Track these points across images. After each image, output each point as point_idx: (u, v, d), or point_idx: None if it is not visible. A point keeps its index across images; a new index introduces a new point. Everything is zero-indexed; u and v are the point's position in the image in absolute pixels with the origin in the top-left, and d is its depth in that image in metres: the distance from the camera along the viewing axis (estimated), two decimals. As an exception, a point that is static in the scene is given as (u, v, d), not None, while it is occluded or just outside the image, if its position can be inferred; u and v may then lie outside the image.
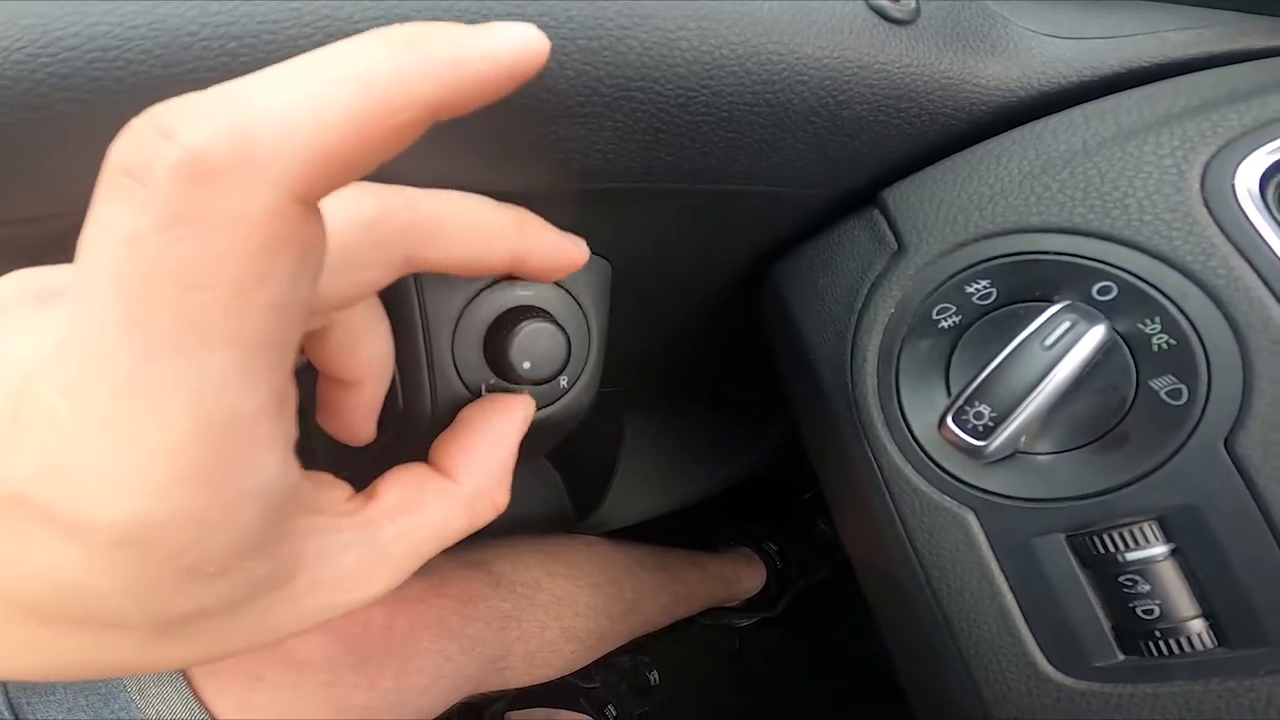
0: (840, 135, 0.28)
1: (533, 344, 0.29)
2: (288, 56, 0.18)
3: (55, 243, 0.26)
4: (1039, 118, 0.29)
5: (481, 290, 0.31)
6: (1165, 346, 0.24)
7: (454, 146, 0.25)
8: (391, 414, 0.35)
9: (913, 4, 0.28)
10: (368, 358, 0.22)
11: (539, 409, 0.32)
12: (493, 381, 0.31)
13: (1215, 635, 0.24)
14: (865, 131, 0.29)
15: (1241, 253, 0.23)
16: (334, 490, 0.19)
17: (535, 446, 0.40)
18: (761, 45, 0.25)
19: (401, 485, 0.20)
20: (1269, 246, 0.23)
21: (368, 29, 0.20)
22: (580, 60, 0.23)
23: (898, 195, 0.31)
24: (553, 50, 0.22)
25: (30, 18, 0.19)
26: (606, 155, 0.27)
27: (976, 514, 0.28)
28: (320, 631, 0.46)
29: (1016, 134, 0.29)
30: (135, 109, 0.15)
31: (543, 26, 0.22)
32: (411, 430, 0.33)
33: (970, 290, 0.28)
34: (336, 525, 0.17)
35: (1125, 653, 0.26)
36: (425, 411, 0.32)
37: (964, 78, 0.28)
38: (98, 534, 0.13)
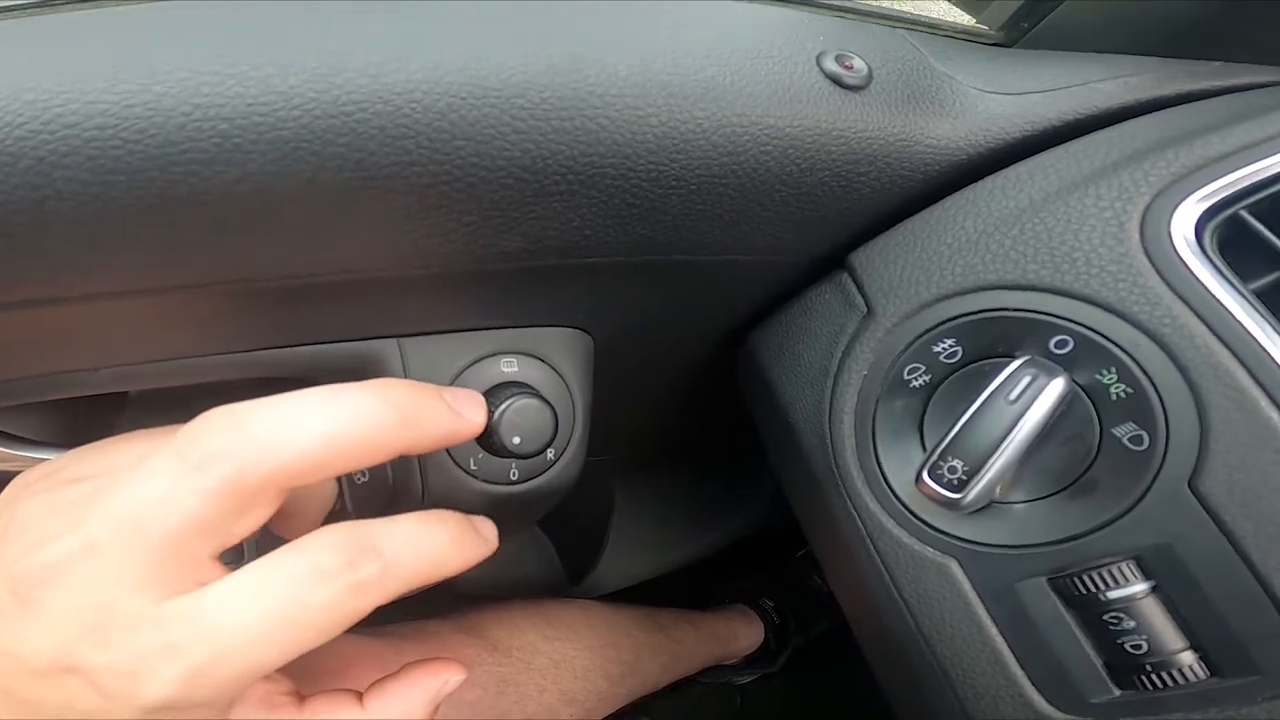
0: (805, 202, 0.30)
1: (520, 420, 0.30)
2: (275, 138, 0.22)
3: (48, 338, 0.26)
4: (989, 174, 0.31)
5: (467, 366, 0.32)
6: (1123, 395, 0.25)
7: (441, 224, 0.26)
8: (382, 490, 0.35)
9: (865, 70, 0.29)
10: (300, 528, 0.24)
11: (526, 480, 0.33)
12: (480, 456, 0.32)
13: (1207, 666, 0.24)
14: (828, 197, 0.30)
15: (1184, 300, 0.25)
16: (279, 684, 0.24)
17: (526, 517, 0.40)
18: (726, 119, 0.27)
19: (326, 701, 0.24)
20: (1209, 292, 0.24)
21: (352, 110, 0.21)
22: (555, 140, 0.25)
23: (864, 258, 0.32)
24: (530, 131, 0.24)
25: (33, 92, 0.20)
26: (584, 231, 0.28)
27: (959, 562, 0.28)
28: None
29: (969, 192, 0.31)
30: (131, 194, 0.16)
31: (522, 108, 0.24)
32: (402, 508, 0.34)
33: (937, 349, 0.29)
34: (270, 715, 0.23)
35: (1121, 688, 0.26)
36: (416, 488, 0.33)
37: (916, 139, 0.30)
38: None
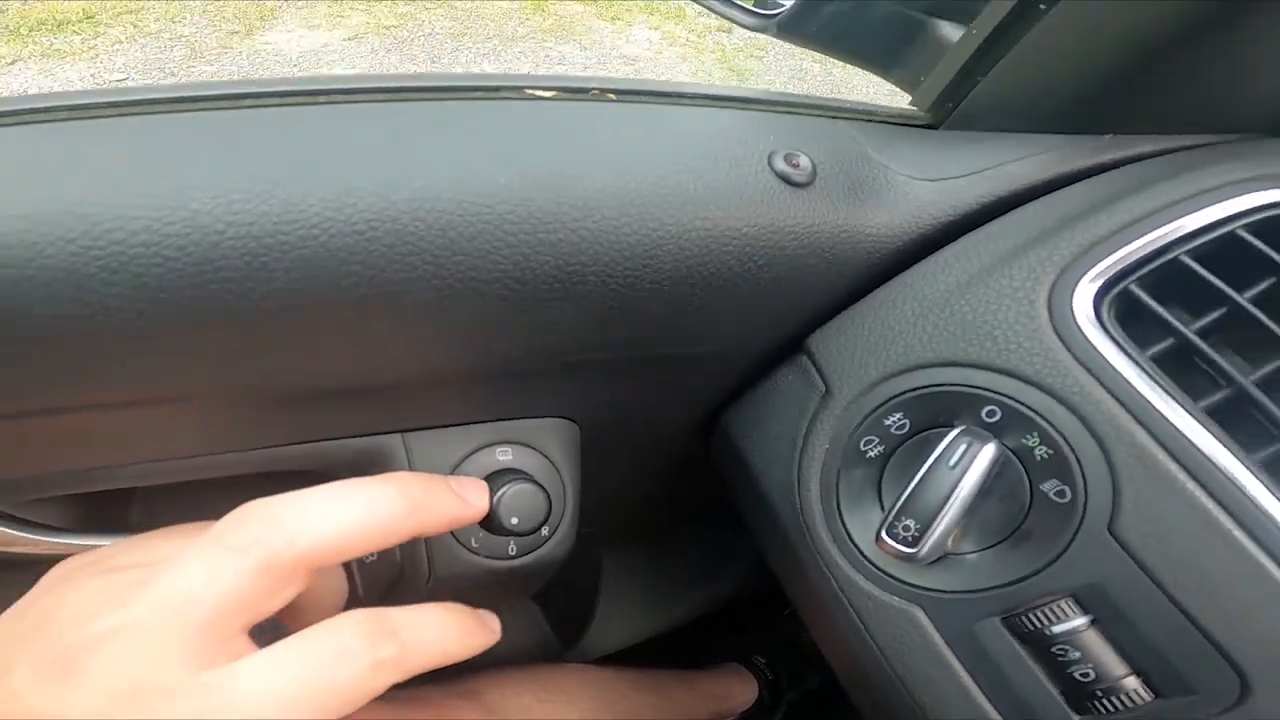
0: (765, 294, 0.34)
1: (517, 502, 0.33)
2: (298, 257, 0.25)
3: (77, 438, 0.29)
4: (923, 257, 0.35)
5: (467, 456, 0.35)
6: (1046, 456, 0.29)
7: (442, 332, 0.29)
8: (390, 568, 0.38)
9: (810, 167, 0.33)
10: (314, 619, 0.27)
11: (523, 555, 0.36)
12: (481, 535, 0.35)
13: (1151, 689, 0.27)
14: (785, 287, 0.34)
15: (1088, 370, 0.29)
16: None
17: (523, 590, 0.43)
18: (691, 224, 0.31)
19: None
20: (1108, 362, 0.28)
21: (364, 230, 0.25)
22: (543, 252, 0.28)
23: (820, 341, 0.36)
24: (520, 245, 0.28)
25: (83, 206, 0.22)
26: (569, 333, 0.31)
27: (924, 609, 0.32)
28: None
29: (906, 276, 0.35)
30: (171, 309, 0.19)
31: (512, 223, 0.27)
32: (409, 588, 0.36)
33: (888, 423, 0.33)
34: None
35: (1080, 714, 0.29)
36: (423, 565, 0.36)
37: (857, 229, 0.34)
38: None
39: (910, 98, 0.43)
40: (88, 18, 4.03)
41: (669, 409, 0.42)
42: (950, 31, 0.48)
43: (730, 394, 0.41)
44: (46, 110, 0.25)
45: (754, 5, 0.54)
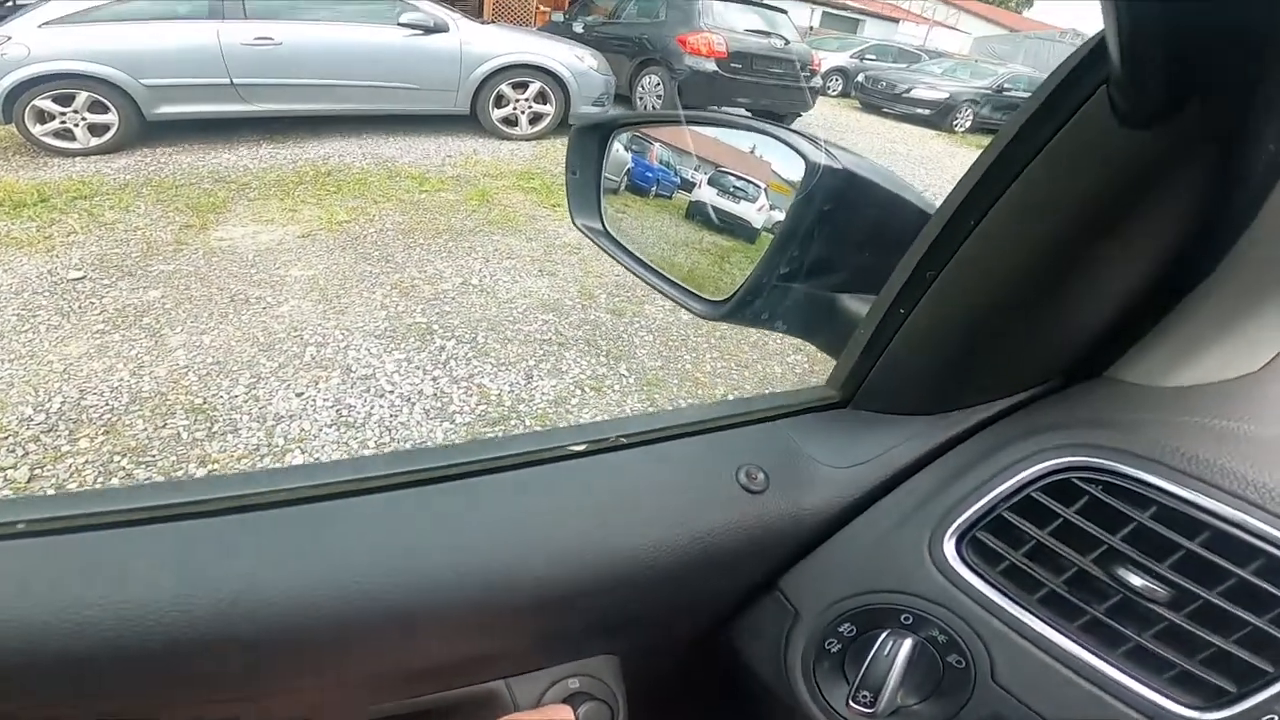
0: (744, 561, 0.50)
1: (590, 715, 0.48)
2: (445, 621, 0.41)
3: None
4: (848, 523, 0.52)
5: (550, 687, 0.50)
6: (944, 640, 0.45)
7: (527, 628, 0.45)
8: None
9: (762, 478, 0.51)
10: None
11: None
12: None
13: None
14: (755, 559, 0.51)
15: (958, 588, 0.45)
16: None
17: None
18: (669, 535, 0.47)
19: None
20: (969, 582, 0.45)
21: (469, 615, 0.43)
22: (560, 587, 0.44)
23: (787, 582, 0.53)
24: (555, 583, 0.44)
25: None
26: (606, 614, 0.47)
27: None
28: None
29: (840, 535, 0.52)
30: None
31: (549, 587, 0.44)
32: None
33: (841, 629, 0.48)
34: None
35: None
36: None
37: (800, 513, 0.51)
38: None
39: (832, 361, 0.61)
40: (42, 200, 4.09)
41: (680, 639, 0.58)
42: (852, 304, 0.62)
43: (731, 612, 0.56)
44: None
45: (705, 295, 0.68)
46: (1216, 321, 0.48)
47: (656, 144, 0.75)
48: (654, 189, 0.76)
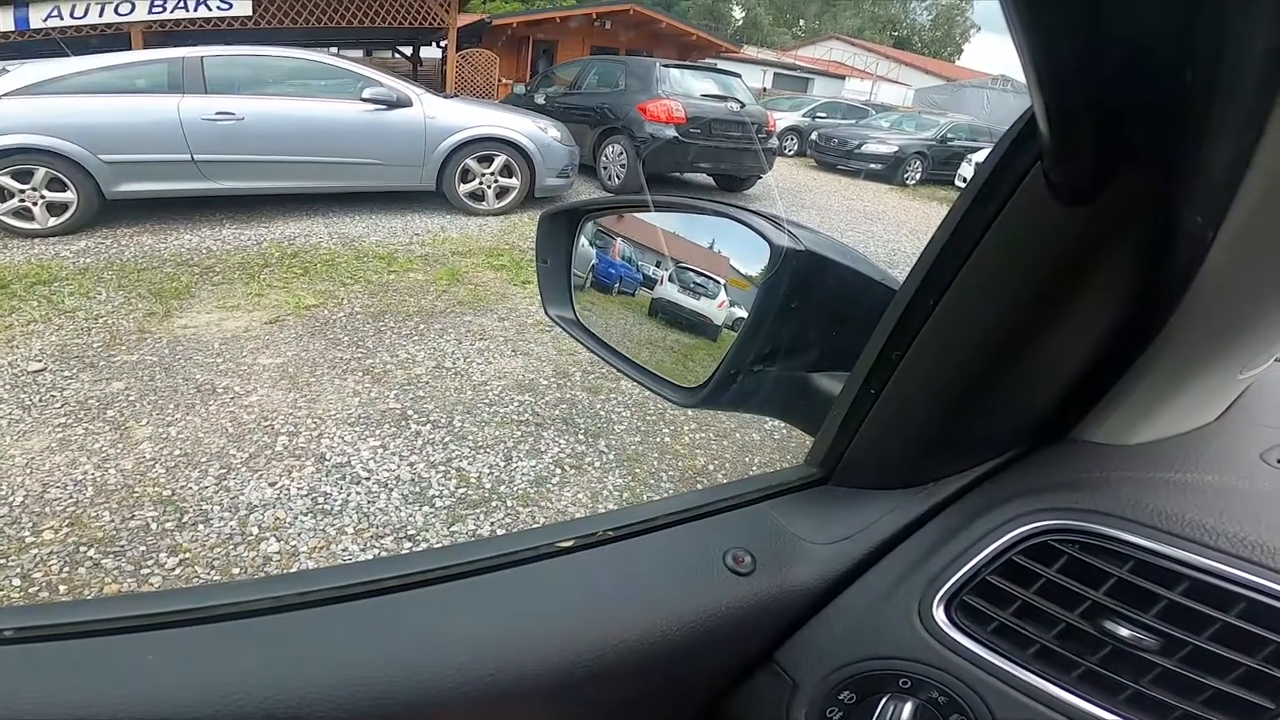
0: (736, 643, 0.52)
1: None
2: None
3: None
4: (835, 597, 0.53)
5: None
6: (943, 701, 0.46)
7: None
8: None
9: (749, 560, 0.52)
10: None
11: None
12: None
13: None
14: (746, 637, 0.52)
15: (952, 650, 0.47)
16: None
17: None
18: (660, 622, 0.48)
19: None
20: (961, 644, 0.47)
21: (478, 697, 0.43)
22: (569, 691, 0.45)
23: (783, 654, 0.54)
24: (554, 672, 0.45)
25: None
26: (619, 683, 0.48)
27: None
28: None
29: (831, 607, 0.53)
30: None
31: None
32: None
33: (841, 697, 0.50)
34: None
35: None
36: None
37: (786, 589, 0.52)
38: None
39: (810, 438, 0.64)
40: (2, 286, 4.04)
41: (681, 717, 0.58)
42: (825, 382, 0.64)
43: (724, 695, 0.56)
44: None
45: (679, 383, 0.69)
46: (1170, 378, 0.51)
47: (619, 239, 0.77)
48: (617, 285, 0.77)
